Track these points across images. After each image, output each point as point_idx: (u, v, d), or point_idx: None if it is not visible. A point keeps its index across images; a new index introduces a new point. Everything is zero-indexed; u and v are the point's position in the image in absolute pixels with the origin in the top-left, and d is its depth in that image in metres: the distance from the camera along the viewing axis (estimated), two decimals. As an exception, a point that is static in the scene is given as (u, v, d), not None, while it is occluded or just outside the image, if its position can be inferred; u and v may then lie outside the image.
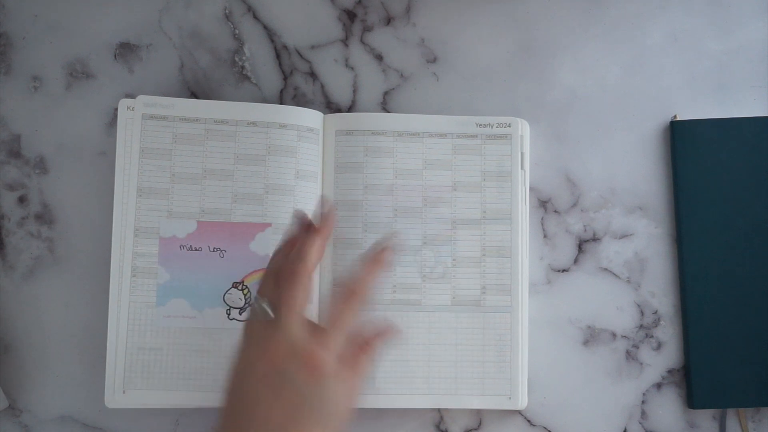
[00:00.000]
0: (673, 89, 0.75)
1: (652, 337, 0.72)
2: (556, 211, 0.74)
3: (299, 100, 0.75)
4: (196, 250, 0.70)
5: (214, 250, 0.70)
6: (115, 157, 0.71)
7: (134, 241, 0.70)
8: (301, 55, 0.76)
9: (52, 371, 0.72)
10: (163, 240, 0.70)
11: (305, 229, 0.63)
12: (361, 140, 0.72)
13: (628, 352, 0.72)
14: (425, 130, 0.73)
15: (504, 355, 0.70)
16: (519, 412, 0.72)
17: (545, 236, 0.74)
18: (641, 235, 0.73)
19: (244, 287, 0.70)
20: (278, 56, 0.76)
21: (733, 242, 0.71)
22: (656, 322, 0.72)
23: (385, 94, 0.75)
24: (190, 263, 0.70)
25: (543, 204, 0.74)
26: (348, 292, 0.60)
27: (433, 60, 0.76)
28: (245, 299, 0.70)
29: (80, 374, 0.72)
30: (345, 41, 0.76)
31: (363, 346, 0.60)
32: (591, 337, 0.73)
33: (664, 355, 0.72)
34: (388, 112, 0.75)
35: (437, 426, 0.72)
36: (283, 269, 0.59)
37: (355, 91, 0.76)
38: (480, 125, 0.73)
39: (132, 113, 0.71)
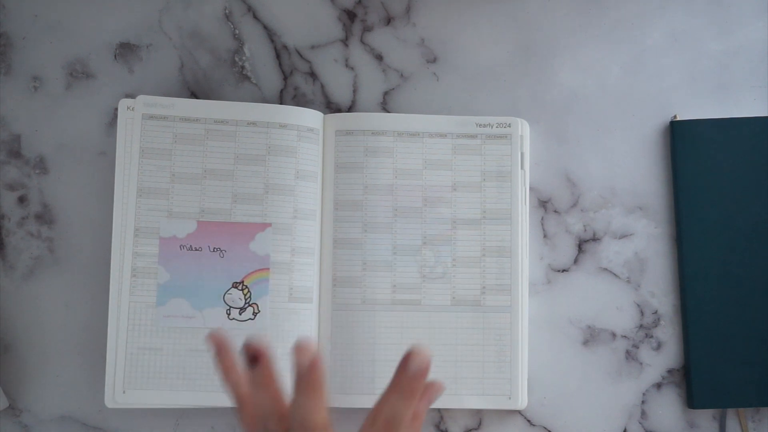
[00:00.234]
0: (673, 89, 0.75)
1: (652, 337, 0.72)
2: (556, 211, 0.74)
3: (299, 100, 0.75)
4: (196, 250, 0.70)
5: (214, 250, 0.70)
6: (115, 157, 0.71)
7: (134, 241, 0.70)
8: (301, 55, 0.76)
9: (52, 371, 0.72)
10: (163, 240, 0.70)
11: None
12: (361, 140, 0.72)
13: (628, 352, 0.72)
14: (425, 130, 0.73)
15: (504, 355, 0.70)
16: (519, 412, 0.72)
17: (545, 236, 0.74)
18: (641, 235, 0.73)
19: (244, 287, 0.70)
20: (278, 56, 0.76)
21: (733, 242, 0.71)
22: (656, 322, 0.73)
23: (385, 94, 0.75)
24: (190, 263, 0.70)
25: (543, 204, 0.74)
26: None
27: (433, 60, 0.76)
28: (245, 299, 0.70)
29: (80, 374, 0.72)
30: (345, 41, 0.76)
31: None
32: (591, 337, 0.73)
33: (664, 355, 0.72)
34: (388, 112, 0.75)
35: (437, 426, 0.72)
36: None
37: (355, 91, 0.76)
38: (480, 125, 0.73)
39: (132, 113, 0.71)
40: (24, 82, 0.75)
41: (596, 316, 0.73)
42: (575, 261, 0.73)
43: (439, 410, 0.72)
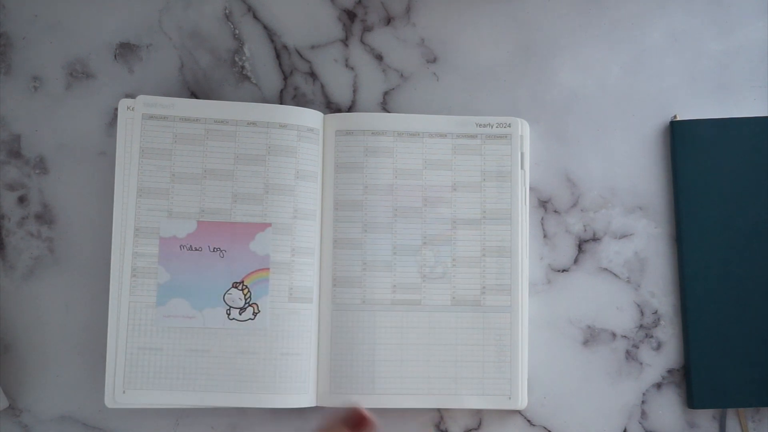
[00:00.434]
0: (673, 89, 0.75)
1: (652, 337, 0.72)
2: (556, 211, 0.74)
3: (299, 100, 0.75)
4: (196, 250, 0.70)
5: (214, 250, 0.70)
6: (115, 157, 0.71)
7: (134, 241, 0.70)
8: (301, 55, 0.76)
9: (52, 371, 0.72)
10: (163, 240, 0.70)
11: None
12: (361, 140, 0.72)
13: (628, 352, 0.72)
14: (425, 130, 0.73)
15: (504, 355, 0.70)
16: (519, 412, 0.72)
17: (545, 236, 0.74)
18: (641, 235, 0.73)
19: (244, 287, 0.70)
20: (278, 56, 0.76)
21: (733, 242, 0.71)
22: (656, 322, 0.73)
23: (385, 94, 0.75)
24: (190, 263, 0.70)
25: (543, 204, 0.74)
26: None
27: (433, 60, 0.76)
28: (245, 299, 0.70)
29: (80, 374, 0.72)
30: (345, 41, 0.76)
31: None
32: (591, 337, 0.73)
33: (664, 355, 0.72)
34: (388, 112, 0.75)
35: (437, 426, 0.72)
36: None
37: (355, 91, 0.76)
38: (480, 125, 0.73)
39: (132, 113, 0.71)
40: (24, 82, 0.75)
41: (596, 316, 0.73)
42: (575, 261, 0.73)
43: (439, 410, 0.72)
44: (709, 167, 0.72)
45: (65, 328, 0.72)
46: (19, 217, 0.73)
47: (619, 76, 0.75)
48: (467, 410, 0.72)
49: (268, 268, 0.70)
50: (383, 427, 0.71)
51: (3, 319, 0.72)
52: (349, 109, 0.75)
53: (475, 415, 0.72)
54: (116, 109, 0.72)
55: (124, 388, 0.69)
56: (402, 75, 0.76)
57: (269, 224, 0.71)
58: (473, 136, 0.72)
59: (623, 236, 0.74)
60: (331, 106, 0.75)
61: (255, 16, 0.76)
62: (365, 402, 0.69)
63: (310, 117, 0.72)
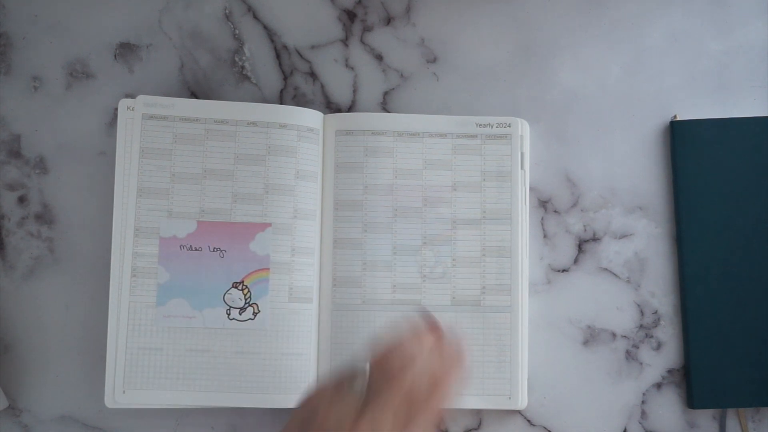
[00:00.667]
0: (673, 89, 0.75)
1: (652, 337, 0.72)
2: (556, 211, 0.74)
3: (299, 100, 0.75)
4: (196, 250, 0.70)
5: (214, 250, 0.70)
6: (115, 157, 0.71)
7: (134, 241, 0.70)
8: (301, 55, 0.76)
9: (52, 371, 0.72)
10: (163, 240, 0.70)
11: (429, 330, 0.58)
12: (361, 140, 0.72)
13: (628, 352, 0.72)
14: (425, 130, 0.73)
15: (504, 355, 0.70)
16: (519, 412, 0.72)
17: (545, 236, 0.74)
18: (641, 235, 0.73)
19: (244, 287, 0.70)
20: (278, 56, 0.76)
21: (733, 242, 0.71)
22: (656, 322, 0.73)
23: (385, 94, 0.75)
24: (190, 263, 0.70)
25: (543, 204, 0.74)
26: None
27: (433, 60, 0.76)
28: (245, 299, 0.70)
29: (80, 374, 0.72)
30: (345, 41, 0.76)
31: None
32: (591, 337, 0.73)
33: (664, 355, 0.72)
34: (388, 112, 0.75)
35: (437, 426, 0.72)
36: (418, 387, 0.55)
37: (355, 91, 0.76)
38: (480, 125, 0.73)
39: (132, 113, 0.71)
40: (24, 82, 0.75)
41: (596, 316, 0.73)
42: (575, 261, 0.73)
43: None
44: (709, 167, 0.72)
45: (65, 328, 0.72)
46: (19, 217, 0.73)
47: (619, 76, 0.75)
48: (467, 410, 0.72)
49: (268, 268, 0.70)
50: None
51: (3, 319, 0.72)
52: (349, 109, 0.75)
53: (475, 415, 0.72)
54: (116, 109, 0.72)
55: (124, 388, 0.69)
56: (402, 75, 0.76)
57: (269, 224, 0.71)
58: (473, 136, 0.72)
59: (623, 236, 0.74)
60: (331, 106, 0.75)
61: (255, 16, 0.76)
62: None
63: (310, 117, 0.72)
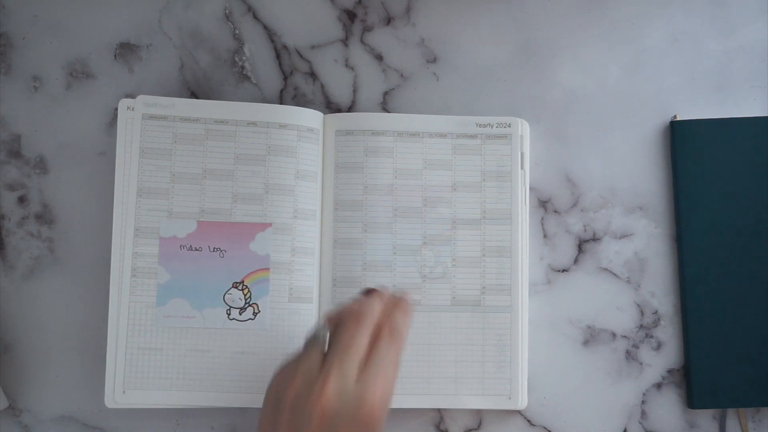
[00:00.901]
0: (673, 89, 0.75)
1: (652, 337, 0.72)
2: (556, 211, 0.74)
3: (299, 100, 0.75)
4: (196, 250, 0.70)
5: (215, 250, 0.70)
6: (116, 157, 0.71)
7: (134, 241, 0.70)
8: (301, 55, 0.76)
9: (52, 371, 0.72)
10: (164, 240, 0.70)
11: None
12: (361, 140, 0.72)
13: (628, 352, 0.72)
14: (425, 130, 0.73)
15: (504, 355, 0.70)
16: (519, 412, 0.72)
17: (545, 236, 0.74)
18: (641, 235, 0.73)
19: (244, 287, 0.70)
20: (278, 56, 0.76)
21: (733, 242, 0.71)
22: (656, 322, 0.73)
23: (385, 94, 0.75)
24: (190, 263, 0.70)
25: (543, 204, 0.74)
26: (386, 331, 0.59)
27: (433, 60, 0.76)
28: (245, 299, 0.70)
29: (80, 374, 0.72)
30: (345, 41, 0.76)
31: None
32: (591, 337, 0.73)
33: (664, 355, 0.72)
34: (388, 112, 0.75)
35: (437, 426, 0.72)
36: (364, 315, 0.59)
37: (355, 91, 0.76)
38: (480, 125, 0.73)
39: (132, 113, 0.71)
40: (24, 82, 0.75)
41: (596, 316, 0.73)
42: (575, 261, 0.73)
43: (439, 410, 0.72)
44: (709, 167, 0.72)
45: (65, 328, 0.72)
46: (19, 217, 0.73)
47: (619, 76, 0.75)
48: (467, 410, 0.72)
49: (269, 268, 0.70)
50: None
51: (3, 319, 0.72)
52: (349, 109, 0.75)
53: (475, 415, 0.72)
54: (116, 109, 0.72)
55: (124, 388, 0.69)
56: (402, 75, 0.76)
57: (269, 224, 0.71)
58: (473, 136, 0.72)
59: (623, 236, 0.74)
60: (331, 106, 0.75)
61: (255, 16, 0.76)
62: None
63: (310, 117, 0.72)
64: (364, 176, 0.72)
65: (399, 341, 0.58)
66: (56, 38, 0.75)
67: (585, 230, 0.74)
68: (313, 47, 0.76)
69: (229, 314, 0.70)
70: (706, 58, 0.75)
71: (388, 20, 0.76)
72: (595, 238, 0.74)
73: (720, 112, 0.74)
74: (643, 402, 0.72)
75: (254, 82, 0.75)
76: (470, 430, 0.72)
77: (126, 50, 0.75)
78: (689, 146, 0.72)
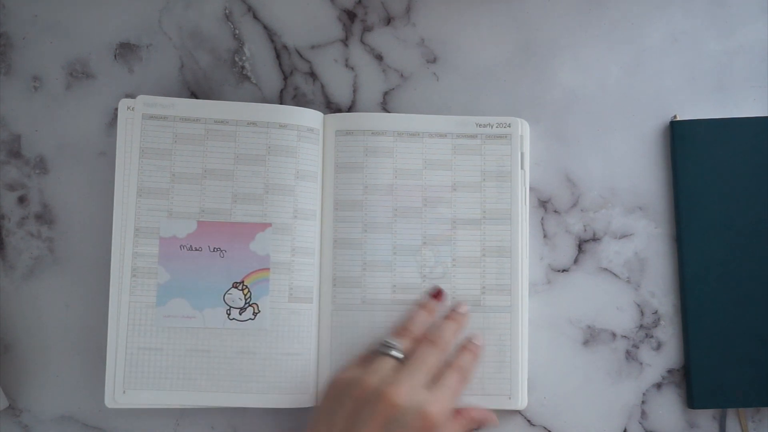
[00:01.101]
0: (673, 89, 0.75)
1: (652, 337, 0.72)
2: (556, 211, 0.74)
3: (299, 100, 0.75)
4: (196, 250, 0.70)
5: (215, 250, 0.70)
6: (116, 157, 0.71)
7: (134, 241, 0.70)
8: (301, 55, 0.76)
9: (52, 371, 0.72)
10: (164, 240, 0.70)
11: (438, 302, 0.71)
12: (361, 140, 0.72)
13: (628, 352, 0.72)
14: (425, 130, 0.73)
15: (504, 355, 0.70)
16: (519, 412, 0.72)
17: (545, 236, 0.74)
18: (641, 235, 0.73)
19: (244, 287, 0.70)
20: (278, 56, 0.76)
21: (733, 242, 0.71)
22: (656, 322, 0.73)
23: (385, 94, 0.75)
24: (190, 263, 0.70)
25: (543, 204, 0.74)
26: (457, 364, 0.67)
27: (433, 60, 0.76)
28: (245, 299, 0.70)
29: (80, 374, 0.72)
30: (345, 41, 0.76)
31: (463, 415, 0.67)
32: (591, 337, 0.73)
33: (664, 355, 0.72)
34: (388, 112, 0.75)
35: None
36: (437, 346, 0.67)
37: (355, 91, 0.76)
38: (480, 125, 0.73)
39: (132, 113, 0.71)
40: (24, 82, 0.75)
41: (596, 316, 0.73)
42: (575, 261, 0.73)
43: (439, 410, 0.72)
44: (709, 167, 0.72)
45: (65, 328, 0.72)
46: (19, 217, 0.73)
47: (619, 76, 0.75)
48: (467, 410, 0.72)
49: (269, 268, 0.70)
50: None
51: (3, 319, 0.72)
52: (349, 109, 0.75)
53: (475, 415, 0.72)
54: (116, 109, 0.72)
55: (124, 388, 0.69)
56: (402, 75, 0.76)
57: (269, 224, 0.71)
58: (473, 136, 0.72)
59: (623, 236, 0.74)
60: (331, 106, 0.75)
61: (255, 16, 0.76)
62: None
63: (310, 117, 0.72)
64: (364, 176, 0.72)
65: (465, 379, 0.66)
66: (56, 38, 0.75)
67: (585, 230, 0.74)
68: (313, 47, 0.76)
69: (229, 314, 0.70)
70: (706, 58, 0.75)
71: (388, 20, 0.76)
72: (595, 238, 0.74)
73: (720, 112, 0.74)
74: (643, 402, 0.72)
75: (254, 82, 0.75)
76: (470, 429, 0.72)
77: (126, 50, 0.75)
78: (689, 146, 0.72)
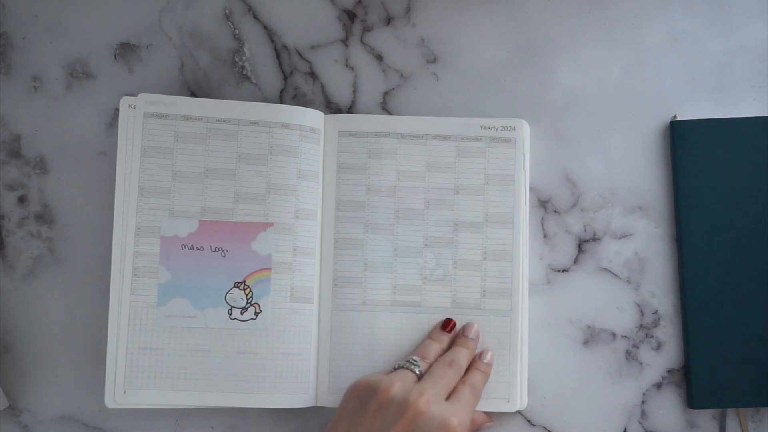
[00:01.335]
0: (673, 89, 0.75)
1: (652, 337, 0.73)
2: (556, 211, 0.74)
3: (299, 100, 0.75)
4: (197, 249, 0.70)
5: (216, 249, 0.70)
6: (117, 155, 0.71)
7: (135, 241, 0.70)
8: (301, 55, 0.76)
9: (52, 371, 0.72)
10: (165, 239, 0.70)
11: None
12: (364, 142, 0.72)
13: (628, 352, 0.72)
14: (429, 133, 0.73)
15: (502, 358, 0.70)
16: (519, 413, 0.72)
17: (545, 236, 0.74)
18: (641, 235, 0.74)
19: (245, 287, 0.70)
20: (278, 56, 0.76)
21: (733, 242, 0.71)
22: (656, 322, 0.73)
23: (385, 94, 0.75)
24: (191, 263, 0.70)
25: (543, 204, 0.74)
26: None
27: (433, 60, 0.76)
28: (247, 299, 0.70)
29: (80, 374, 0.72)
30: (345, 41, 0.76)
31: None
32: (591, 337, 0.73)
33: (664, 355, 0.72)
34: (388, 112, 0.75)
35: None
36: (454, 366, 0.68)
37: (355, 91, 0.76)
38: (485, 128, 0.72)
39: (134, 111, 0.71)
40: (24, 82, 0.74)
41: (596, 316, 0.73)
42: (575, 261, 0.74)
43: (439, 410, 0.72)
44: (709, 167, 0.72)
45: (65, 328, 0.72)
46: (19, 217, 0.73)
47: (619, 76, 0.75)
48: (468, 410, 0.72)
49: (270, 268, 0.70)
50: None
51: (3, 319, 0.72)
52: (349, 109, 0.75)
53: (476, 415, 0.72)
54: (116, 109, 0.72)
55: (125, 388, 0.69)
56: (402, 75, 0.76)
57: (271, 224, 0.71)
58: (477, 139, 0.72)
59: (623, 236, 0.74)
60: (331, 106, 0.75)
61: (255, 16, 0.76)
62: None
63: (312, 117, 0.72)
64: (366, 177, 0.72)
65: (477, 395, 0.67)
66: (56, 38, 0.75)
67: (585, 230, 0.74)
68: (313, 47, 0.76)
69: (230, 314, 0.70)
70: (706, 58, 0.75)
71: (388, 20, 0.76)
72: (595, 238, 0.74)
73: (720, 112, 0.74)
74: (643, 402, 0.72)
75: (254, 82, 0.75)
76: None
77: (126, 50, 0.75)
78: (689, 146, 0.73)
